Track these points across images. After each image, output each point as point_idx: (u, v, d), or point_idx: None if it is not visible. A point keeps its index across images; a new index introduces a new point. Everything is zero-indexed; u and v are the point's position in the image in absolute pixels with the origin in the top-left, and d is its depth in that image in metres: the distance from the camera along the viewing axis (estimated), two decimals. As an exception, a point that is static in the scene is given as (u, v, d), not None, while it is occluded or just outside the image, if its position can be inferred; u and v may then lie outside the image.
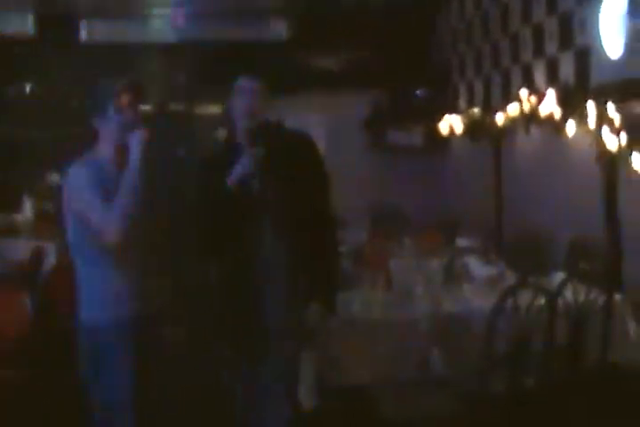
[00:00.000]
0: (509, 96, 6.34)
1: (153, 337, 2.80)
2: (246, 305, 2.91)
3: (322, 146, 9.01)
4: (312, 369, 3.34)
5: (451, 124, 7.77)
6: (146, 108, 8.76)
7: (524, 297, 3.43)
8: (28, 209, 7.27)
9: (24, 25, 8.40)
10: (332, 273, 3.05)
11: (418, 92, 8.39)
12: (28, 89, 8.52)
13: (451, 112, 7.82)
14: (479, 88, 7.33)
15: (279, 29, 8.76)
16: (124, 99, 2.71)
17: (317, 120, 8.52)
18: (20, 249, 5.82)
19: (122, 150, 2.72)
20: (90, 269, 2.74)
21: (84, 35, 8.58)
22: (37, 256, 5.60)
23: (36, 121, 8.23)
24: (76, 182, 2.68)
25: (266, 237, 2.92)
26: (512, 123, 6.19)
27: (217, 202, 2.90)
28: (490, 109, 6.83)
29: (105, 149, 2.78)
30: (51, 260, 5.43)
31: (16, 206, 7.34)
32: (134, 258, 2.74)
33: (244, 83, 2.92)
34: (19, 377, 3.99)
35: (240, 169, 2.84)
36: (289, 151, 2.97)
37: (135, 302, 2.75)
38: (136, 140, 2.68)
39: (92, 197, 2.63)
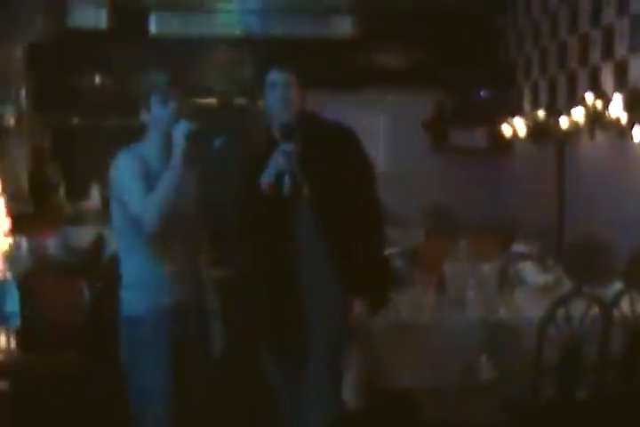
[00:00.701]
0: (575, 99, 6.21)
1: (193, 327, 2.82)
2: (285, 305, 2.89)
3: (382, 145, 9.11)
4: (358, 370, 3.33)
5: (514, 126, 7.65)
6: (211, 101, 8.96)
7: (579, 307, 3.36)
8: (95, 197, 7.44)
9: (98, 19, 8.60)
10: (378, 270, 2.97)
11: (482, 92, 8.28)
12: (98, 80, 8.70)
13: (515, 114, 7.70)
14: (544, 90, 7.20)
15: (345, 27, 8.75)
16: (168, 91, 2.74)
17: (379, 119, 8.51)
18: (87, 237, 5.97)
19: (168, 141, 2.74)
20: (131, 256, 2.79)
21: (153, 28, 8.71)
22: (99, 244, 5.73)
23: (106, 111, 8.41)
24: (122, 172, 2.74)
25: (304, 237, 2.86)
26: (576, 126, 6.06)
27: (250, 202, 2.89)
28: (554, 112, 6.71)
29: (151, 140, 2.82)
30: (112, 247, 5.55)
31: (84, 194, 7.52)
32: (176, 246, 2.77)
33: (276, 76, 2.87)
34: (72, 363, 4.10)
35: (272, 168, 2.80)
36: (326, 144, 2.89)
37: (175, 290, 2.78)
38: (180, 131, 2.69)
39: (134, 186, 2.68)
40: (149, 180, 2.69)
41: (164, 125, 2.75)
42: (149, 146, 2.82)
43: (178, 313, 2.77)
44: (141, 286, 2.77)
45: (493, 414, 3.35)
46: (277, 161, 2.79)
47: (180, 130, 2.68)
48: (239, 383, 4.81)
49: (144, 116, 2.81)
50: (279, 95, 2.84)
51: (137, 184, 2.68)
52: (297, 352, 2.88)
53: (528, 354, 3.32)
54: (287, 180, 2.79)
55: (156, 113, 2.76)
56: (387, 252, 5.05)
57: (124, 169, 2.74)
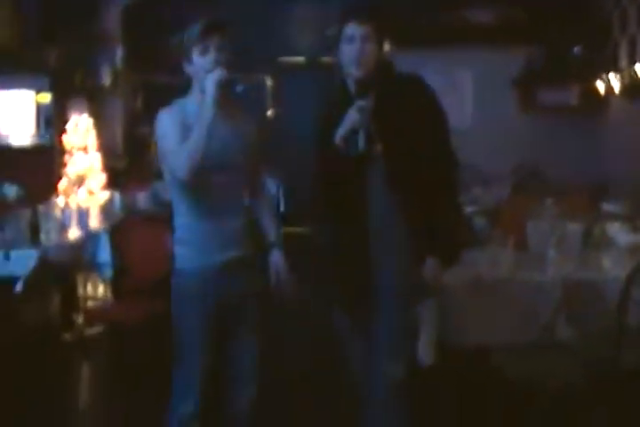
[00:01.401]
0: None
1: (243, 283, 2.81)
2: (357, 262, 2.87)
3: (471, 102, 8.90)
4: (433, 326, 3.34)
5: (609, 82, 7.37)
6: (298, 59, 8.96)
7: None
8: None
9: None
10: (452, 226, 2.91)
11: (575, 48, 7.97)
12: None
13: (610, 70, 7.40)
14: (642, 44, 6.88)
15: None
16: (206, 41, 2.67)
17: (468, 76, 8.33)
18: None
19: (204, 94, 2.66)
20: (179, 211, 2.77)
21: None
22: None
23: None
24: (162, 126, 2.70)
25: (377, 193, 2.84)
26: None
27: (324, 158, 2.87)
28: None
29: (193, 92, 2.76)
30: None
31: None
32: (220, 201, 2.74)
33: (351, 29, 2.78)
34: (160, 310, 4.25)
35: (347, 125, 2.76)
36: (399, 97, 2.83)
37: (225, 247, 2.76)
38: (212, 81, 2.62)
39: (171, 138, 2.65)
40: (187, 132, 2.63)
41: (204, 75, 2.67)
42: (191, 99, 2.76)
43: (226, 269, 2.76)
44: (189, 241, 2.76)
45: (572, 376, 3.30)
46: (352, 117, 2.76)
47: (212, 78, 2.63)
48: (309, 337, 4.91)
49: (187, 69, 2.74)
50: (356, 49, 2.76)
51: (173, 136, 2.64)
52: (367, 307, 2.88)
53: (610, 315, 3.25)
54: (362, 136, 2.76)
55: (197, 63, 2.69)
56: (468, 209, 5.04)
57: (163, 123, 2.70)
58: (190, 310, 2.74)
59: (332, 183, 2.90)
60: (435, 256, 2.86)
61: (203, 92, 2.68)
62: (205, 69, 2.67)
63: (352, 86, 2.86)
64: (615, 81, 7.22)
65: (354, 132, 2.77)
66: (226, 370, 2.86)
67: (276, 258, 2.93)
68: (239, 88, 2.70)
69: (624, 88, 7.03)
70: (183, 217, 2.77)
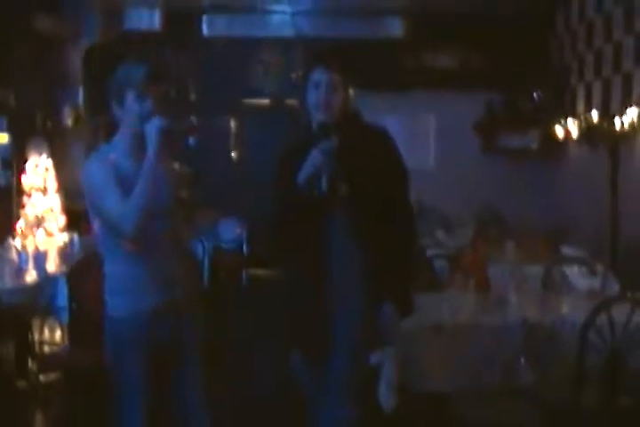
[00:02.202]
0: (630, 100, 6.07)
1: (175, 328, 2.76)
2: (314, 305, 2.85)
3: (433, 146, 9.07)
4: (393, 370, 3.30)
5: (567, 127, 7.52)
6: (263, 101, 9.03)
7: (624, 312, 3.28)
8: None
9: (152, 21, 8.75)
10: (407, 274, 2.91)
11: (534, 93, 8.15)
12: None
13: (567, 116, 7.56)
14: (598, 91, 7.05)
15: (395, 28, 8.72)
16: (147, 87, 2.59)
17: (430, 120, 8.45)
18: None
19: (141, 140, 2.60)
20: (111, 259, 2.71)
21: (205, 29, 8.82)
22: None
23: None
24: (93, 177, 2.60)
25: (337, 236, 2.83)
26: (632, 128, 5.92)
27: (285, 199, 2.87)
28: (608, 114, 6.56)
29: (123, 138, 2.68)
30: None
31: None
32: (161, 247, 2.69)
33: (318, 74, 2.79)
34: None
35: (310, 166, 2.76)
36: (364, 145, 2.85)
37: (159, 292, 2.71)
38: (154, 128, 2.55)
39: (107, 190, 2.55)
40: (120, 182, 2.55)
41: (137, 123, 2.59)
42: (119, 146, 2.67)
43: (158, 315, 2.69)
44: (121, 289, 2.69)
45: (531, 419, 3.29)
46: (316, 158, 2.76)
47: (154, 126, 2.55)
48: (261, 379, 4.83)
49: (116, 111, 2.65)
50: (322, 94, 2.79)
51: (110, 188, 2.54)
52: (324, 350, 2.86)
53: (569, 359, 3.26)
54: (325, 178, 2.76)
55: (131, 109, 2.61)
56: (430, 252, 5.06)
57: (94, 173, 2.59)
58: (127, 356, 2.68)
59: (292, 224, 2.89)
60: (392, 303, 2.85)
61: (133, 139, 2.62)
62: (140, 116, 2.60)
63: (316, 129, 2.88)
64: (573, 126, 7.37)
65: (317, 174, 2.77)
66: (173, 412, 2.80)
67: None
68: (191, 140, 2.67)
69: (581, 133, 7.18)
70: (116, 265, 2.70)
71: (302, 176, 2.78)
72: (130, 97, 2.61)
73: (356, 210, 2.81)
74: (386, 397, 3.25)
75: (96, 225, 2.70)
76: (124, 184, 2.56)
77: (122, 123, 2.67)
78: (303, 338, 2.92)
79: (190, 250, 2.94)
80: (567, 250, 5.32)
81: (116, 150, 2.66)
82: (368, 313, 2.84)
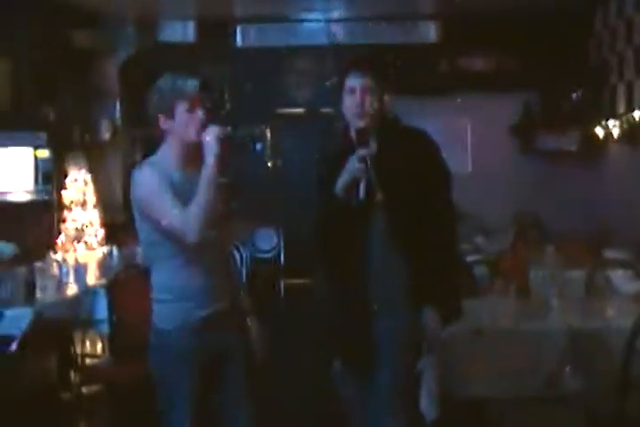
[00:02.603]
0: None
1: (225, 339, 2.76)
2: (357, 315, 2.83)
3: (470, 149, 8.97)
4: (435, 379, 3.26)
5: (607, 128, 7.38)
6: (297, 111, 9.04)
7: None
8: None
9: (186, 33, 8.83)
10: (452, 278, 2.88)
11: (573, 93, 8.02)
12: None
13: (608, 116, 7.42)
14: (639, 90, 6.91)
15: (429, 32, 8.68)
16: (197, 98, 2.62)
17: (466, 123, 8.38)
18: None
19: (191, 150, 2.65)
20: (162, 270, 2.70)
21: (239, 40, 8.87)
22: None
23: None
24: (147, 187, 2.60)
25: (377, 243, 2.81)
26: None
27: (325, 207, 2.85)
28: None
29: (173, 149, 2.69)
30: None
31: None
32: (208, 257, 2.69)
33: (352, 80, 2.81)
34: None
35: (347, 174, 2.75)
36: (404, 148, 2.84)
37: (208, 303, 2.70)
38: (212, 136, 2.57)
39: (164, 200, 2.56)
40: (174, 192, 2.57)
41: (190, 134, 2.63)
42: (168, 156, 2.69)
43: (206, 327, 2.69)
44: (171, 300, 2.69)
45: (577, 427, 3.21)
46: (353, 166, 2.75)
47: (212, 134, 2.58)
48: (310, 392, 4.79)
49: (164, 124, 2.66)
50: (357, 101, 2.80)
51: (166, 198, 2.56)
52: (368, 362, 2.81)
53: (616, 366, 3.17)
54: (362, 185, 2.75)
55: (182, 120, 2.63)
56: (470, 258, 4.99)
57: (147, 182, 2.60)
58: (173, 368, 2.66)
59: (333, 233, 2.87)
60: (435, 309, 2.80)
61: (184, 149, 2.65)
62: (193, 127, 2.62)
63: (354, 136, 2.87)
64: (613, 127, 7.24)
65: (355, 182, 2.76)
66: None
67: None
68: (259, 146, 2.69)
69: (623, 134, 7.04)
70: (165, 275, 2.70)
71: (340, 184, 2.78)
72: (180, 109, 2.62)
73: (395, 216, 2.79)
74: (428, 407, 3.21)
75: (144, 235, 2.70)
76: (177, 193, 2.58)
77: (171, 135, 2.68)
78: (346, 347, 2.89)
79: (232, 261, 2.93)
80: (610, 253, 5.20)
81: (165, 161, 2.68)
82: (412, 320, 2.81)
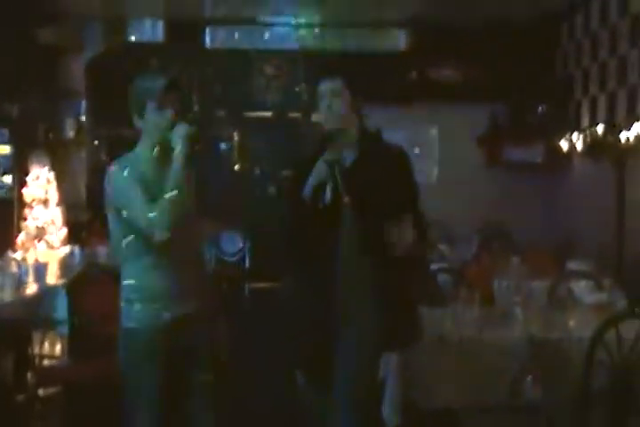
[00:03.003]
0: (635, 114, 6.03)
1: (191, 340, 2.76)
2: (321, 318, 2.82)
3: (436, 159, 9.03)
4: (398, 387, 3.26)
5: (572, 141, 7.49)
6: (265, 114, 9.01)
7: (633, 328, 3.23)
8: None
9: (155, 32, 8.76)
10: (419, 289, 2.96)
11: (539, 107, 8.12)
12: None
13: (572, 129, 7.53)
14: (603, 105, 7.02)
15: (399, 40, 8.72)
16: (166, 97, 2.66)
17: (433, 133, 8.43)
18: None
19: (163, 148, 2.69)
20: (132, 268, 2.71)
21: (208, 41, 8.82)
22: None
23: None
24: (118, 185, 2.64)
25: (343, 246, 2.82)
26: (637, 142, 5.89)
27: (294, 210, 2.87)
28: (614, 128, 6.53)
29: (145, 147, 2.73)
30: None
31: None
32: (177, 258, 2.70)
33: (323, 85, 2.86)
34: (113, 368, 4.10)
35: (314, 176, 2.79)
36: (381, 161, 2.87)
37: (177, 304, 2.71)
38: (180, 134, 2.63)
39: (135, 198, 2.59)
40: (146, 189, 2.61)
41: (159, 132, 2.68)
42: (142, 155, 2.73)
43: (175, 328, 2.70)
44: (140, 300, 2.69)
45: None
46: (320, 169, 2.78)
47: (179, 133, 2.64)
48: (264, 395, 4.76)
49: (137, 123, 2.72)
50: (327, 104, 2.84)
51: (137, 196, 2.59)
52: (329, 364, 2.81)
53: (577, 376, 3.20)
54: (329, 188, 2.76)
55: (152, 119, 2.68)
56: (434, 267, 5.01)
57: (119, 181, 2.64)
58: (141, 367, 2.67)
59: (300, 236, 2.89)
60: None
61: (156, 147, 2.69)
62: (162, 126, 2.67)
63: (324, 139, 2.88)
64: (578, 140, 7.34)
65: (321, 185, 2.78)
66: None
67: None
68: (224, 146, 2.71)
69: (586, 147, 7.14)
70: (135, 274, 2.70)
71: (308, 187, 2.80)
72: (149, 108, 2.68)
73: (362, 220, 2.79)
74: (389, 414, 3.21)
75: (115, 233, 2.71)
76: (149, 190, 2.61)
77: (143, 134, 2.74)
78: (306, 359, 2.89)
79: (203, 263, 2.93)
80: (573, 265, 5.26)
81: (139, 159, 2.71)
82: (374, 325, 2.80)
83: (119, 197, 2.63)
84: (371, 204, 2.78)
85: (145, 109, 2.67)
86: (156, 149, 2.72)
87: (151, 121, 2.69)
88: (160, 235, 2.57)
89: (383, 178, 2.83)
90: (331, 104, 2.83)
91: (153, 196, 2.60)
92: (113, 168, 2.68)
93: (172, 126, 2.66)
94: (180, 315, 2.71)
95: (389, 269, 2.79)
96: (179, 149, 2.63)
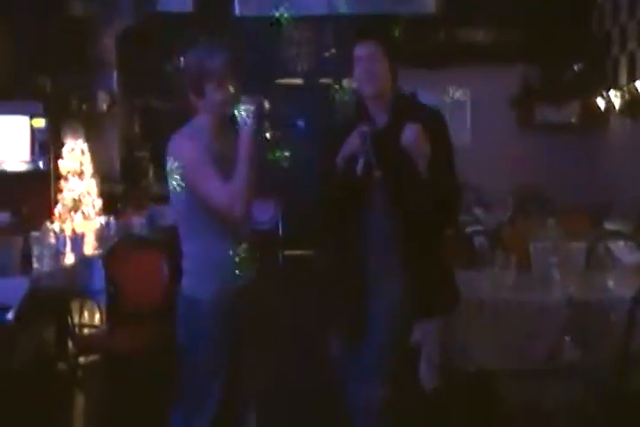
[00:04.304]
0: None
1: (251, 309, 2.76)
2: (353, 286, 2.82)
3: (469, 120, 8.91)
4: (435, 348, 3.25)
5: (609, 99, 7.32)
6: (296, 81, 8.95)
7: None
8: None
9: (183, 2, 8.69)
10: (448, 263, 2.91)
11: (574, 65, 7.93)
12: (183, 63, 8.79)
13: (609, 87, 7.35)
14: (641, 61, 6.84)
15: (427, 3, 8.56)
16: (225, 77, 2.59)
17: (464, 95, 8.30)
18: (170, 217, 6.05)
19: (225, 122, 2.65)
20: (197, 240, 2.69)
21: (238, 9, 8.74)
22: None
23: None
24: (188, 153, 2.58)
25: (377, 219, 2.79)
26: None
27: (326, 179, 2.82)
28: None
29: (207, 122, 2.67)
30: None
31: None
32: (239, 230, 2.69)
33: (359, 50, 2.79)
34: (155, 338, 4.16)
35: (346, 149, 2.74)
36: (417, 124, 2.76)
37: (239, 275, 2.70)
38: (244, 112, 2.55)
39: (208, 171, 2.55)
40: (215, 163, 2.56)
41: (222, 109, 2.62)
42: (204, 129, 2.66)
43: (239, 298, 2.70)
44: (204, 270, 2.69)
45: (579, 399, 3.20)
46: (352, 141, 2.73)
47: (244, 110, 2.56)
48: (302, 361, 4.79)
49: (195, 100, 2.66)
50: (364, 68, 2.78)
51: (210, 169, 2.55)
52: (361, 330, 2.81)
53: (616, 337, 3.16)
54: (361, 161, 2.71)
55: (211, 99, 2.62)
56: (469, 229, 4.96)
57: (191, 155, 2.57)
58: (203, 340, 2.67)
59: (333, 206, 2.86)
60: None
61: (218, 123, 2.64)
62: (223, 104, 2.61)
63: (367, 107, 2.83)
64: (615, 98, 7.17)
65: (353, 157, 2.73)
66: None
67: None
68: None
69: (624, 105, 6.98)
70: (198, 245, 2.69)
71: (340, 158, 2.76)
72: (208, 89, 2.61)
73: (395, 194, 2.76)
74: (426, 375, 3.21)
75: (181, 206, 2.68)
76: (216, 166, 2.57)
77: (203, 110, 2.67)
78: (341, 317, 2.89)
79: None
80: (611, 225, 5.18)
81: (203, 134, 2.65)
82: (407, 290, 2.79)
83: (191, 170, 2.58)
84: (404, 177, 2.73)
85: (203, 89, 2.61)
86: (218, 124, 2.66)
87: (211, 100, 2.61)
88: (239, 210, 2.56)
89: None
90: (369, 68, 2.77)
91: (221, 169, 2.56)
92: (178, 139, 2.63)
93: (235, 102, 2.58)
94: (240, 286, 2.70)
95: (423, 236, 2.76)
96: (245, 126, 2.56)
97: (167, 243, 5.27)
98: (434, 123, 2.84)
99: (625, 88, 7.06)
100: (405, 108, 2.85)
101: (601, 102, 7.49)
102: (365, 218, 2.80)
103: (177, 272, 3.73)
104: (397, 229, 2.77)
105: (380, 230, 2.80)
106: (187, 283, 2.71)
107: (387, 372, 2.78)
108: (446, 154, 2.84)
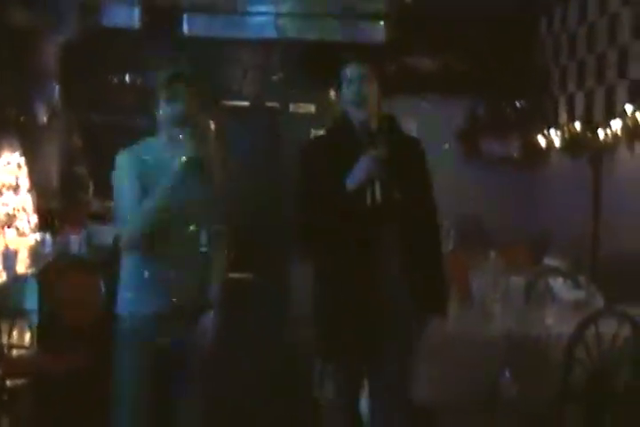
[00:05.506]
0: (613, 111, 6.04)
1: (181, 330, 2.74)
2: (362, 315, 2.75)
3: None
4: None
5: (549, 137, 7.49)
6: (242, 104, 8.91)
7: (611, 326, 3.22)
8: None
9: (130, 18, 8.60)
10: (441, 278, 2.91)
11: (517, 101, 8.12)
12: (128, 79, 8.67)
13: (550, 125, 7.53)
14: (580, 101, 7.03)
15: (377, 32, 8.67)
16: (170, 90, 2.65)
17: (409, 126, 8.38)
18: (110, 235, 5.90)
19: (172, 141, 2.67)
20: (126, 256, 2.73)
21: (186, 28, 8.69)
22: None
23: (136, 110, 8.38)
24: (117, 172, 2.67)
25: (384, 244, 2.76)
26: (614, 139, 5.90)
27: (325, 204, 2.73)
28: (591, 124, 6.54)
29: (158, 139, 2.73)
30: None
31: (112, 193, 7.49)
32: (169, 250, 2.68)
33: (352, 70, 2.77)
34: (88, 361, 4.04)
35: (361, 174, 2.68)
36: (403, 151, 2.82)
37: (169, 294, 2.70)
38: (177, 161, 2.61)
39: (125, 189, 2.64)
40: (145, 180, 2.62)
41: (170, 125, 2.66)
42: (155, 145, 2.73)
43: (167, 317, 2.69)
44: (133, 286, 2.71)
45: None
46: (367, 166, 2.68)
47: (178, 155, 2.61)
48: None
49: (156, 113, 2.71)
50: (356, 88, 2.75)
51: (129, 189, 2.62)
52: (370, 361, 2.82)
53: (554, 373, 3.19)
54: (378, 186, 2.68)
55: (163, 112, 2.67)
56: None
57: (119, 169, 2.67)
58: (128, 356, 2.69)
59: (329, 232, 2.76)
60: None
61: (169, 140, 2.67)
62: (170, 119, 2.66)
63: (358, 132, 2.80)
64: (555, 136, 7.35)
65: (369, 182, 2.69)
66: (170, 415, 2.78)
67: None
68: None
69: (564, 143, 7.15)
70: (129, 263, 2.72)
71: (353, 183, 2.69)
72: (160, 102, 2.68)
73: (406, 216, 2.77)
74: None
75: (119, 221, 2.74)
76: (148, 182, 2.61)
77: (161, 124, 2.72)
78: (345, 347, 2.78)
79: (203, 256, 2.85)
80: (550, 261, 5.26)
81: (151, 148, 2.71)
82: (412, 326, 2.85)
83: (116, 184, 2.67)
84: (412, 198, 2.76)
85: (158, 102, 2.67)
86: (166, 143, 2.69)
87: (162, 113, 2.67)
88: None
89: (411, 169, 2.82)
90: (363, 89, 2.74)
91: (151, 187, 2.60)
92: (120, 154, 2.69)
93: (181, 121, 2.62)
94: (172, 306, 2.70)
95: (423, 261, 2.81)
96: (172, 172, 2.60)
97: (104, 263, 5.16)
98: (417, 150, 2.91)
99: (565, 127, 7.24)
100: (393, 133, 2.86)
101: (542, 139, 7.66)
102: (374, 246, 2.75)
103: (113, 294, 3.65)
104: (405, 253, 2.78)
105: (389, 253, 2.77)
106: (120, 299, 2.74)
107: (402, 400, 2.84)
108: (428, 178, 2.91)
